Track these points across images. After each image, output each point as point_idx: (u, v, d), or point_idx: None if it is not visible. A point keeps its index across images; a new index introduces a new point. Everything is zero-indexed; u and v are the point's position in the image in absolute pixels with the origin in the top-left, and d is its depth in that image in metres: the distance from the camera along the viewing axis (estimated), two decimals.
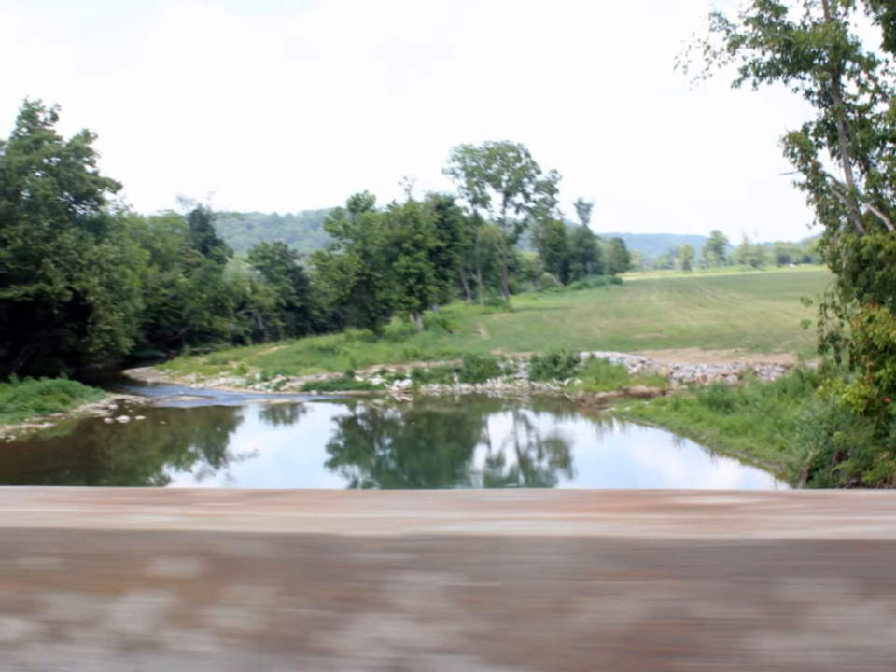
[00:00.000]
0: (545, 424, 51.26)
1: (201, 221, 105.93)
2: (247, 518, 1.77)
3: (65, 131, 68.16)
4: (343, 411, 56.68)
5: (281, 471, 40.62)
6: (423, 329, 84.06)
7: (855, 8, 26.75)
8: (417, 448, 45.60)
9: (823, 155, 27.30)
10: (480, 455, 45.30)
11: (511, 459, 43.48)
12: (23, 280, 60.90)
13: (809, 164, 26.41)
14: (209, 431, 52.59)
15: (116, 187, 73.28)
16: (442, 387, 59.95)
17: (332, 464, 43.05)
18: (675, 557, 1.53)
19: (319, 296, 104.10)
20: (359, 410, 56.56)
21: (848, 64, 26.86)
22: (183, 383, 67.15)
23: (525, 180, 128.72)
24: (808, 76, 27.28)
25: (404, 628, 1.63)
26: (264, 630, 1.70)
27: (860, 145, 26.39)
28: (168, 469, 43.01)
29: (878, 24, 26.57)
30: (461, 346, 69.43)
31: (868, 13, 26.83)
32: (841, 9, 26.70)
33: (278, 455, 45.55)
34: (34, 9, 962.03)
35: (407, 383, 60.63)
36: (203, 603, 1.72)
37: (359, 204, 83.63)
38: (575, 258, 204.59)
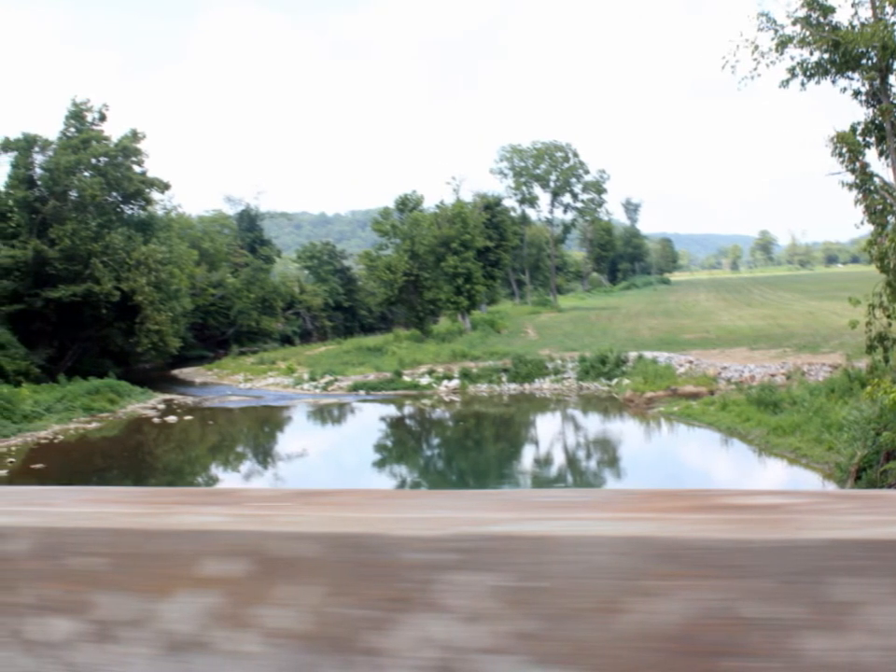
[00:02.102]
0: (593, 423, 50.77)
1: (249, 221, 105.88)
2: (295, 518, 1.83)
3: (113, 131, 67.79)
4: (391, 411, 56.48)
5: (329, 471, 40.56)
6: (471, 329, 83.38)
7: None
8: (465, 448, 45.20)
9: (871, 155, 27.12)
10: (528, 455, 44.91)
11: (559, 459, 43.06)
12: (71, 280, 61.06)
13: (857, 164, 26.25)
14: (257, 431, 52.46)
15: (164, 187, 73.23)
16: (490, 387, 59.56)
17: (380, 464, 42.56)
18: (723, 557, 1.59)
19: (367, 296, 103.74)
20: (407, 410, 56.36)
21: None
22: (231, 383, 67.20)
23: (573, 180, 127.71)
24: (856, 75, 27.13)
25: (452, 628, 1.68)
26: (312, 630, 1.75)
27: None
28: (216, 469, 42.87)
29: None
30: (509, 346, 69.05)
31: None
32: (889, 9, 26.58)
33: (326, 454, 45.35)
34: (77, 11, 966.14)
35: (455, 383, 60.36)
36: (251, 603, 1.78)
37: (407, 204, 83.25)
38: (623, 258, 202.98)
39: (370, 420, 54.49)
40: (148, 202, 72.93)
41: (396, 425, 53.43)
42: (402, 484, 38.06)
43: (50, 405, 50.00)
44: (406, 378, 61.96)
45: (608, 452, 43.90)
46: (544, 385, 59.34)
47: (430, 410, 55.85)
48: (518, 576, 1.61)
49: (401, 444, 47.43)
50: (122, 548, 1.85)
